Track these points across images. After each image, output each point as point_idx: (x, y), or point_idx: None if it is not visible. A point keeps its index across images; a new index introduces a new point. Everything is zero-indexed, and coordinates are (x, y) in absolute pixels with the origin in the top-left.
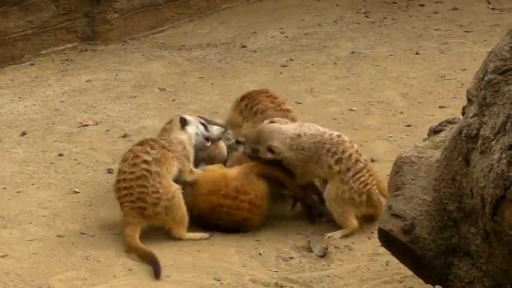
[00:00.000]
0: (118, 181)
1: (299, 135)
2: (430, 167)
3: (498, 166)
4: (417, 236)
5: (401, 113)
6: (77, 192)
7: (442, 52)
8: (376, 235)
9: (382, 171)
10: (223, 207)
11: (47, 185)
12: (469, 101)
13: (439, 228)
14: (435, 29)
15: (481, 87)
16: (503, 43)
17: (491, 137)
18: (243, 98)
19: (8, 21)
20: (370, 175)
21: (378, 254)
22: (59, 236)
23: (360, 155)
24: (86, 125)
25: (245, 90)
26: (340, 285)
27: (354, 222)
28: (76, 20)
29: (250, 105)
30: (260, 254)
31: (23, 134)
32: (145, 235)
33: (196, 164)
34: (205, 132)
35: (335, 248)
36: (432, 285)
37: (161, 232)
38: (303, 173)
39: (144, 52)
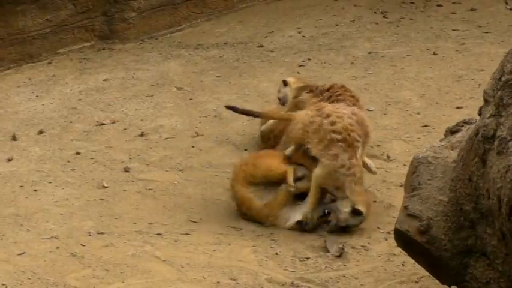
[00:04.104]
0: None
1: None
2: (447, 168)
3: None
4: (433, 237)
5: (418, 113)
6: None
7: (459, 53)
8: (392, 235)
9: (399, 171)
10: None
11: (64, 183)
12: (486, 101)
13: (455, 228)
14: (453, 30)
15: (498, 87)
16: None
17: (508, 138)
18: (329, 89)
19: (26, 19)
20: None
21: (394, 254)
22: (76, 234)
23: None
24: (103, 124)
25: (262, 90)
26: (357, 285)
27: None
28: (94, 18)
29: (333, 99)
30: (276, 253)
31: (40, 132)
32: (162, 234)
33: None
34: None
35: (351, 248)
36: (448, 285)
37: (177, 231)
38: None
39: (162, 51)
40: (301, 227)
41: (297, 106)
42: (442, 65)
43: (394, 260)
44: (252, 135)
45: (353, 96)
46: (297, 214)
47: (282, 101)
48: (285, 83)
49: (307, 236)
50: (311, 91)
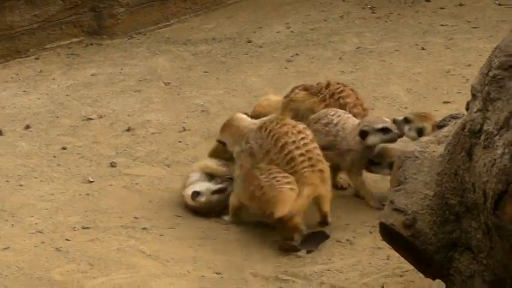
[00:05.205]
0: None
1: None
2: (433, 162)
3: (501, 161)
4: (418, 231)
5: (406, 108)
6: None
7: (447, 48)
8: (377, 229)
9: None
10: None
11: (50, 178)
12: (473, 96)
13: (440, 222)
14: (441, 25)
15: (486, 82)
16: (509, 39)
17: (495, 132)
18: (328, 86)
19: (14, 15)
20: None
21: (379, 248)
22: (61, 229)
23: None
24: (90, 119)
25: (250, 85)
26: (341, 279)
27: None
28: (82, 14)
29: (337, 96)
30: (261, 247)
31: (27, 127)
32: (147, 228)
33: None
34: None
35: (336, 241)
36: (433, 279)
37: (163, 225)
38: None
39: (150, 46)
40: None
41: (289, 106)
42: (430, 60)
43: (379, 254)
44: None
45: (352, 90)
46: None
47: None
48: None
49: None
50: (305, 89)
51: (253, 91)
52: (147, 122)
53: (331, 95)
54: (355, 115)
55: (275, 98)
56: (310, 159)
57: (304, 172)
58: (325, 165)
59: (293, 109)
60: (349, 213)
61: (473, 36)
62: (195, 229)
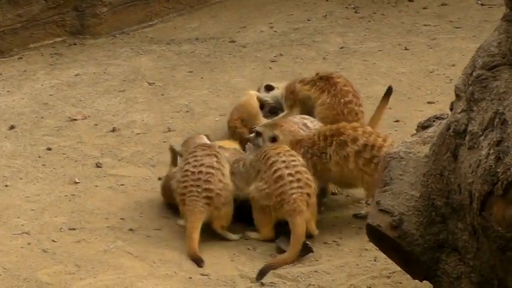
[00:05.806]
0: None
1: None
2: (418, 163)
3: (486, 162)
4: (405, 232)
5: (390, 108)
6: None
7: (431, 48)
8: (364, 230)
9: None
10: None
11: (35, 179)
12: (457, 96)
13: (427, 223)
14: (424, 25)
15: (470, 82)
16: (492, 39)
17: (480, 133)
18: (317, 74)
19: None
20: None
21: (366, 249)
22: (47, 230)
23: None
24: (75, 119)
25: (234, 85)
26: (328, 280)
27: None
28: (65, 13)
29: (326, 77)
30: (248, 249)
31: (11, 127)
32: (134, 229)
33: None
34: None
35: (323, 243)
36: (420, 280)
37: (149, 226)
38: None
39: (133, 46)
40: None
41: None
42: (414, 60)
43: (366, 255)
44: (224, 130)
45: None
46: None
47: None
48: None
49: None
50: (301, 81)
51: (238, 91)
52: (132, 123)
53: (320, 78)
54: (346, 93)
55: (250, 100)
56: (298, 180)
57: (293, 194)
58: (312, 190)
59: (298, 101)
60: (335, 214)
61: (456, 36)
62: (182, 230)
